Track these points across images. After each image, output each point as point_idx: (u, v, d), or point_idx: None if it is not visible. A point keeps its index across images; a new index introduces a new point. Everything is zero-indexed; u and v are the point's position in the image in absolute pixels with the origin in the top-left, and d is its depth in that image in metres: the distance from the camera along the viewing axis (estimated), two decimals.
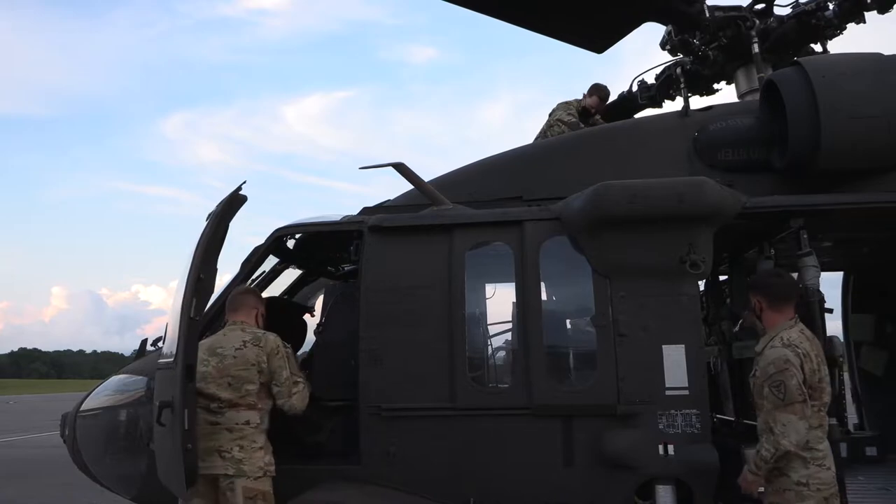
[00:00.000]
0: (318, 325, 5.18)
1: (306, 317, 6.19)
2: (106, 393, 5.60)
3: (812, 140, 4.55)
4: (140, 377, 5.34)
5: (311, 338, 5.61)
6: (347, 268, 5.93)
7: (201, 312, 4.17)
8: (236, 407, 4.20)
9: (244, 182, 4.51)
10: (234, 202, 4.40)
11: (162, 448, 4.29)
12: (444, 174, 5.33)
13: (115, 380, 5.69)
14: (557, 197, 4.81)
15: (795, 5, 5.99)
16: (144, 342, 5.93)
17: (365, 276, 4.73)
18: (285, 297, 6.08)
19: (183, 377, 3.93)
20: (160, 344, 5.60)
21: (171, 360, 4.13)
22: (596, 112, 7.30)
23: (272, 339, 4.38)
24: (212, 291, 4.37)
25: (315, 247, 5.56)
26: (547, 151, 5.40)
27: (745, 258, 5.63)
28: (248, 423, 4.21)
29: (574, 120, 6.97)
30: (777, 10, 6.09)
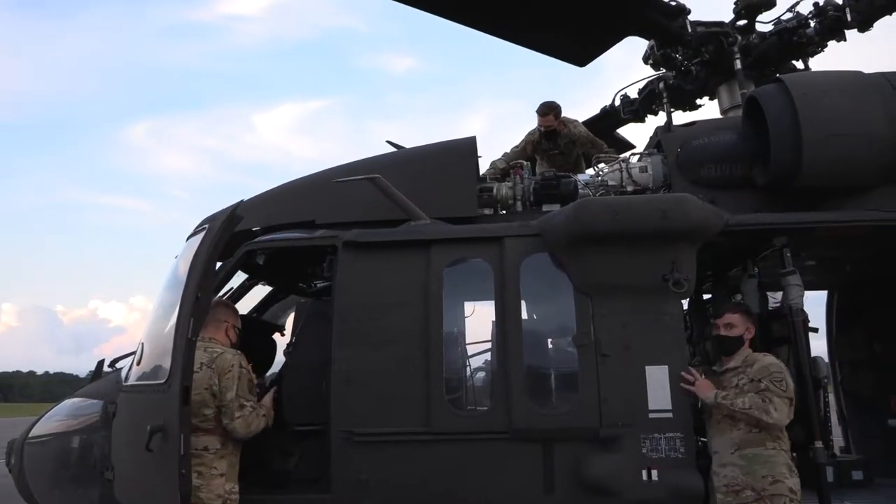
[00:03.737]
0: (289, 344, 5.14)
1: (276, 336, 6.14)
2: (58, 418, 5.43)
3: (794, 157, 4.67)
4: (96, 401, 5.21)
5: (280, 358, 5.55)
6: (320, 284, 5.91)
7: (198, 333, 4.19)
8: (195, 432, 4.14)
9: (241, 201, 4.56)
10: (231, 221, 4.45)
11: (144, 475, 4.20)
12: (248, 198, 5.37)
13: (69, 403, 5.54)
14: (352, 222, 4.93)
15: (777, 22, 6.19)
16: (101, 363, 5.81)
17: (338, 293, 4.71)
18: (254, 314, 6.02)
19: (180, 400, 3.92)
20: (120, 364, 5.51)
21: (163, 381, 4.11)
22: (546, 130, 7.08)
23: (229, 357, 4.33)
24: (207, 311, 4.41)
25: (286, 262, 5.53)
26: (339, 176, 5.29)
27: (729, 276, 5.72)
28: (206, 448, 4.17)
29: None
30: (759, 27, 6.28)
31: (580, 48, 6.51)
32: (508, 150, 7.10)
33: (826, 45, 6.15)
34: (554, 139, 7.10)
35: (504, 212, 5.46)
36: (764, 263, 5.16)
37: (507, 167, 6.62)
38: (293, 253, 5.21)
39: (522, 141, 7.17)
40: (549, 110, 7.03)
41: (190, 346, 4.05)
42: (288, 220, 5.18)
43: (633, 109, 7.39)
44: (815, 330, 5.10)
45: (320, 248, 4.96)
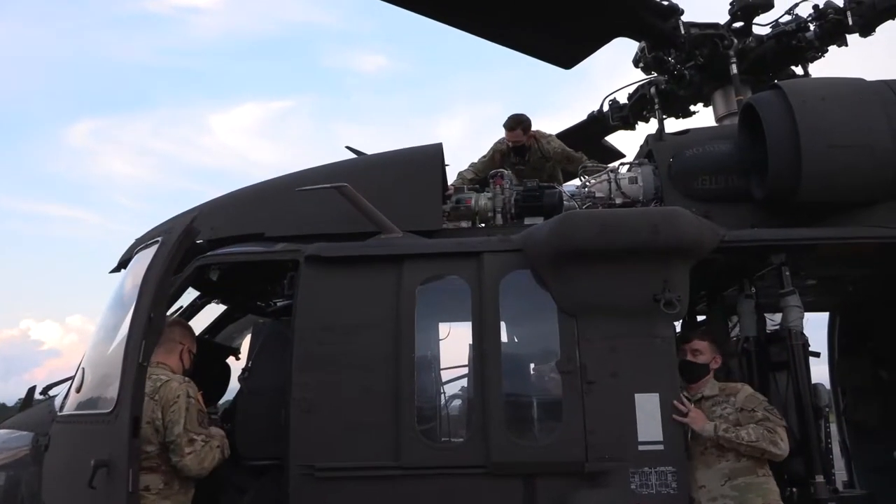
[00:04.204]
0: (244, 369, 5.10)
1: (230, 360, 6.10)
2: None
3: (793, 169, 4.77)
4: (25, 433, 5.11)
5: (235, 385, 5.51)
6: (279, 303, 5.88)
7: (150, 357, 4.15)
8: None
9: (198, 214, 4.56)
10: (188, 234, 4.44)
11: None
12: (193, 207, 5.42)
13: None
14: (304, 235, 4.97)
15: (775, 25, 6.36)
16: (32, 390, 5.72)
17: (299, 312, 4.70)
18: (206, 336, 5.98)
19: (129, 432, 3.88)
20: (54, 392, 5.42)
21: (109, 411, 4.06)
22: (514, 146, 7.11)
23: (174, 386, 4.29)
24: (161, 333, 4.39)
25: (242, 278, 5.52)
26: (291, 185, 5.34)
27: (725, 297, 5.81)
28: (147, 488, 4.11)
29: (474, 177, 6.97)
30: (756, 30, 6.43)
31: (566, 49, 6.61)
32: (476, 161, 7.15)
33: (826, 50, 6.34)
34: (522, 154, 7.15)
35: (483, 225, 5.50)
36: (762, 283, 5.25)
37: (476, 177, 6.69)
38: (250, 268, 5.19)
39: (490, 150, 7.22)
40: (516, 124, 7.07)
41: (141, 372, 4.01)
42: (236, 231, 5.18)
43: (623, 116, 7.51)
44: (817, 354, 5.18)
45: (280, 264, 4.95)
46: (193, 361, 4.67)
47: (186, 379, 4.39)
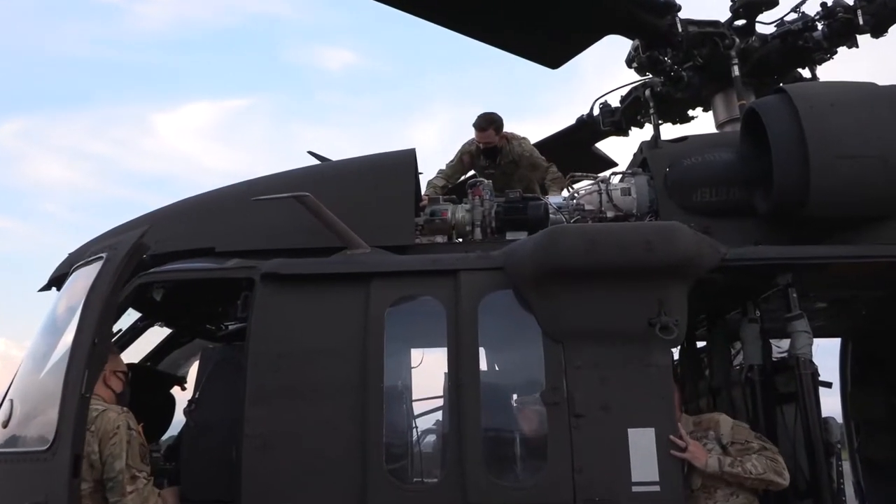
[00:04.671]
0: (191, 401, 5.04)
1: (175, 390, 6.02)
2: None
3: (800, 181, 4.83)
4: None
5: (180, 418, 5.43)
6: (232, 326, 5.83)
7: (93, 388, 4.10)
8: None
9: (148, 228, 4.53)
10: (138, 250, 4.40)
11: None
12: (129, 220, 5.41)
13: None
14: (260, 250, 4.98)
15: (780, 24, 6.45)
16: None
17: (254, 337, 4.66)
18: (147, 364, 5.93)
19: (70, 471, 3.83)
20: None
21: (45, 448, 4.01)
22: (485, 147, 7.16)
23: (113, 417, 4.22)
24: (105, 361, 4.34)
25: (190, 298, 5.48)
26: (247, 194, 5.34)
27: (726, 321, 5.85)
28: None
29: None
30: (760, 28, 6.53)
31: (552, 47, 6.66)
32: (444, 167, 7.18)
33: (835, 52, 6.45)
34: (493, 157, 7.20)
35: (460, 240, 5.50)
36: (767, 306, 5.30)
37: (447, 184, 6.70)
38: (199, 287, 5.15)
39: (458, 152, 7.26)
40: (488, 124, 7.10)
41: (83, 405, 3.96)
42: (183, 245, 5.15)
43: (615, 120, 7.56)
44: (828, 385, 5.23)
45: (233, 282, 4.91)
46: (128, 388, 4.59)
47: (125, 409, 4.32)
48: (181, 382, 6.24)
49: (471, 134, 7.20)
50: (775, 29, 6.46)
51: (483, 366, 4.79)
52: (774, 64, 6.52)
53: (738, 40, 6.39)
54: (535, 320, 4.63)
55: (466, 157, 7.21)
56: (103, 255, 4.47)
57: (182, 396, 5.68)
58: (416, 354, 5.24)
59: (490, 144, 7.13)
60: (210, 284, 5.12)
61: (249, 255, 5.02)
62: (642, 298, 4.52)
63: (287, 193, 4.91)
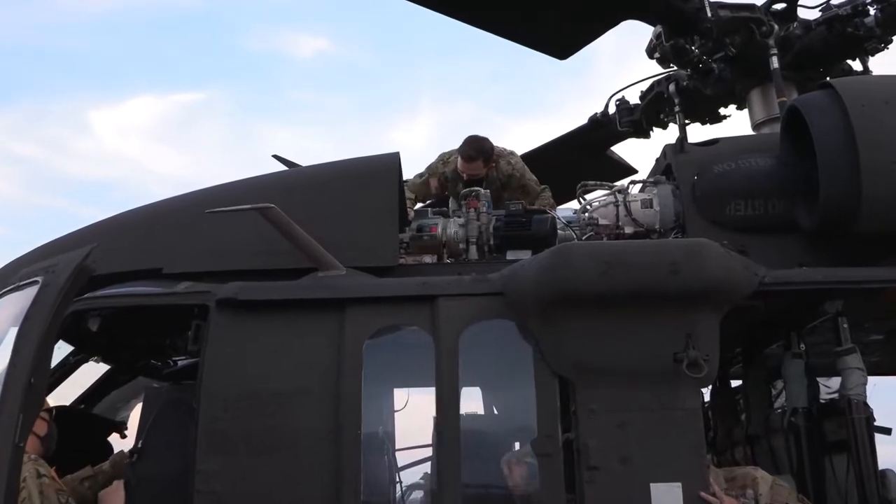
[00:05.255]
0: (132, 451, 5.03)
1: (113, 437, 5.98)
2: None
3: (850, 192, 4.80)
4: None
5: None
6: (181, 362, 5.79)
7: (27, 436, 4.03)
8: None
9: (94, 247, 4.47)
10: (81, 274, 4.34)
11: None
12: (64, 235, 5.39)
13: None
14: (217, 272, 4.95)
15: (826, 7, 6.47)
16: None
17: (208, 375, 4.63)
18: (81, 406, 5.93)
19: None
20: None
21: None
22: (469, 179, 7.06)
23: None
24: (42, 403, 4.32)
25: (132, 329, 5.47)
26: (201, 205, 5.29)
27: (766, 356, 5.82)
28: None
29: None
30: (802, 13, 6.58)
31: (560, 35, 6.69)
32: (410, 179, 7.18)
33: (891, 40, 6.47)
34: (477, 186, 6.77)
35: (452, 260, 5.47)
36: (813, 338, 5.28)
37: (416, 200, 6.65)
38: (143, 315, 5.13)
39: (427, 171, 7.24)
40: (477, 154, 7.10)
41: (17, 455, 3.87)
42: (125, 266, 5.11)
43: (634, 120, 7.58)
44: (887, 431, 5.19)
45: (183, 309, 4.88)
46: (54, 430, 4.54)
47: (32, 456, 4.28)
48: (120, 428, 6.23)
49: (463, 136, 7.18)
50: (820, 14, 6.49)
51: (479, 407, 4.76)
52: (820, 54, 6.54)
53: (777, 27, 6.41)
54: (540, 355, 4.59)
55: (436, 181, 7.19)
56: (38, 278, 4.40)
57: (122, 445, 5.62)
58: (400, 395, 5.25)
59: (475, 178, 7.07)
60: (156, 312, 5.08)
61: (203, 277, 4.98)
62: (667, 329, 4.48)
63: (248, 205, 4.87)
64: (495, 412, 5.45)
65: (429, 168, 7.22)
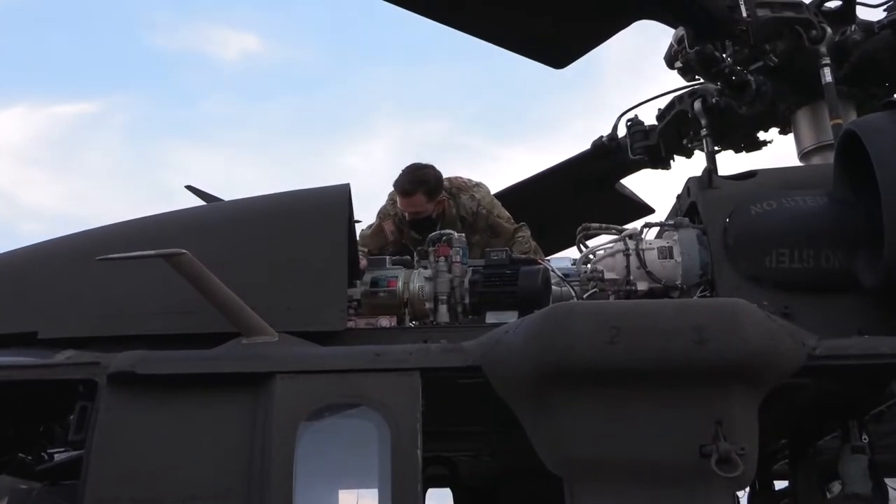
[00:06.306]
0: None
1: None
2: None
3: None
4: None
5: None
6: (60, 456, 5.73)
7: None
8: None
9: None
10: None
11: None
12: None
13: None
14: (109, 337, 4.98)
15: (892, 6, 6.60)
16: None
17: (94, 472, 4.56)
18: None
19: None
20: None
21: None
22: (412, 219, 7.27)
23: None
24: None
25: None
26: (90, 250, 5.30)
27: (819, 450, 5.86)
28: None
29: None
30: (862, 13, 6.71)
31: (557, 39, 6.77)
32: (364, 229, 7.33)
33: None
34: (429, 228, 6.95)
35: (415, 323, 5.52)
36: (878, 427, 5.33)
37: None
38: (9, 394, 5.03)
39: (378, 216, 7.41)
40: (414, 185, 7.17)
41: None
42: None
43: (649, 145, 7.66)
44: None
45: (64, 386, 4.84)
46: None
47: None
48: None
49: (429, 160, 7.26)
50: (885, 14, 6.61)
51: None
52: (884, 65, 6.65)
53: (830, 30, 6.51)
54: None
55: (389, 223, 7.27)
56: None
57: None
58: (345, 498, 5.18)
59: (419, 216, 7.20)
60: (27, 390, 5.03)
61: (91, 344, 4.97)
62: (691, 415, 4.51)
63: (152, 251, 4.88)
64: None
65: (379, 213, 7.28)
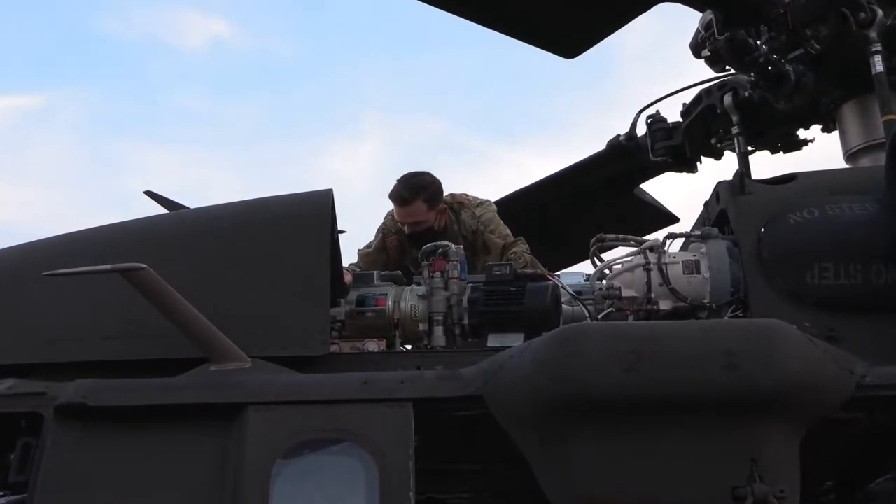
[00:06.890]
0: None
1: None
2: None
3: None
4: None
5: None
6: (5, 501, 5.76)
7: None
8: None
9: None
10: None
11: None
12: None
13: None
14: (58, 364, 5.02)
15: None
16: None
17: None
18: None
19: None
20: None
21: None
22: (411, 232, 7.40)
23: None
24: None
25: None
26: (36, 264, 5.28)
27: (871, 494, 5.88)
28: None
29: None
30: None
31: (568, 26, 6.82)
32: (362, 248, 7.46)
33: None
34: (426, 242, 6.85)
35: (407, 347, 5.56)
36: None
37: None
38: None
39: (378, 231, 7.51)
40: (412, 192, 7.29)
41: None
42: None
43: (673, 145, 7.69)
44: None
45: (3, 421, 4.85)
46: None
47: None
48: None
49: (424, 166, 7.32)
50: None
51: None
52: None
53: (881, 13, 6.53)
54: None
55: (394, 239, 7.33)
56: None
57: None
58: None
59: (420, 227, 7.29)
60: None
61: (36, 372, 5.00)
62: (722, 452, 4.54)
63: (107, 266, 4.91)
64: None
65: (379, 230, 7.33)
